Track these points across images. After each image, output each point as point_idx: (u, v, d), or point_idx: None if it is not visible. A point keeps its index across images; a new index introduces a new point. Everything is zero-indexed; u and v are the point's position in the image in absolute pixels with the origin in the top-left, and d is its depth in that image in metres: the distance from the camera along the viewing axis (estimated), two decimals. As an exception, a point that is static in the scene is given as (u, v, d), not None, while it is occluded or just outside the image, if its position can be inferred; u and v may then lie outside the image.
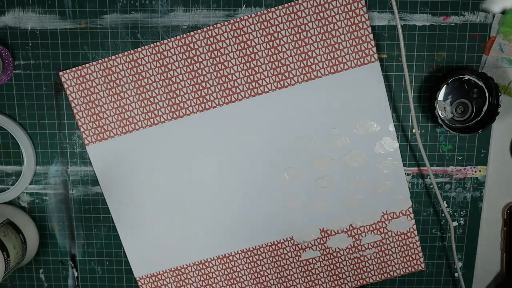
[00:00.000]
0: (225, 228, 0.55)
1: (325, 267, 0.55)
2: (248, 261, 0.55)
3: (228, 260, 0.55)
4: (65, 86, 0.52)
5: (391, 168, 0.53)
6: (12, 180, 0.55)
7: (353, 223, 0.54)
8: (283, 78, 0.52)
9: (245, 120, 0.52)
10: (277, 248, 0.55)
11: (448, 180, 0.54)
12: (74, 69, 0.51)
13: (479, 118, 0.51)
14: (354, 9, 0.50)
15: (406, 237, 0.55)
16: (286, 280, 0.56)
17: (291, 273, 0.56)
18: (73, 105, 0.52)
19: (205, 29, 0.51)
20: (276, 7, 0.50)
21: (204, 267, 0.55)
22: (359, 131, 0.53)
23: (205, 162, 0.53)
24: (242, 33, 0.51)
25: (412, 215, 0.54)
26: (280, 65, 0.51)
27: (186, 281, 0.56)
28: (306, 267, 0.55)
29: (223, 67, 0.51)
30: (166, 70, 0.51)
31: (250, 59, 0.51)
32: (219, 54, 0.51)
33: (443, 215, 0.55)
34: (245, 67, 0.51)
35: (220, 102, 0.52)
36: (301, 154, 0.53)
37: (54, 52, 0.52)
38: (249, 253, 0.55)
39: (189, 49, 0.51)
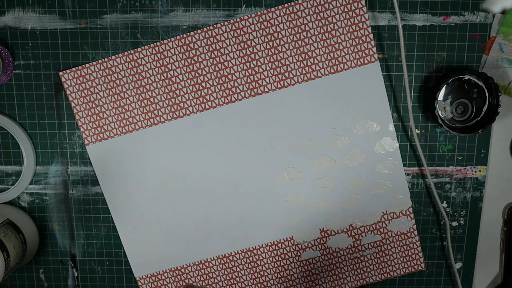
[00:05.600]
0: (225, 228, 0.55)
1: (325, 267, 0.55)
2: (248, 261, 0.55)
3: (228, 260, 0.55)
4: (65, 86, 0.52)
5: (391, 168, 0.53)
6: (12, 180, 0.55)
7: (353, 223, 0.54)
8: (283, 78, 0.52)
9: (245, 120, 0.52)
10: (277, 248, 0.55)
11: (448, 180, 0.54)
12: (74, 69, 0.51)
13: (479, 118, 0.51)
14: (354, 9, 0.50)
15: (406, 237, 0.55)
16: (286, 280, 0.56)
17: (291, 273, 0.56)
18: (73, 105, 0.52)
19: (205, 29, 0.51)
20: (276, 7, 0.50)
21: (204, 267, 0.55)
22: (359, 131, 0.53)
23: (205, 162, 0.53)
24: (242, 33, 0.51)
25: (412, 215, 0.54)
26: (280, 65, 0.51)
27: (186, 281, 0.56)
28: (306, 267, 0.55)
29: (223, 67, 0.51)
30: (166, 70, 0.51)
31: (250, 59, 0.51)
32: (219, 54, 0.51)
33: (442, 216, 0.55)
34: (245, 67, 0.51)
35: (220, 102, 0.52)
36: (301, 154, 0.53)
37: (54, 52, 0.52)
38: (249, 253, 0.55)
39: (189, 49, 0.51)
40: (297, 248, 0.55)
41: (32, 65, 0.52)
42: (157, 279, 0.56)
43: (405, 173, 0.54)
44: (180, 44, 0.51)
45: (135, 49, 0.51)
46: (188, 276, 0.56)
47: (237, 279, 0.56)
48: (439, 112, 0.51)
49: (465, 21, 0.51)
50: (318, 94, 0.52)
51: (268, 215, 0.54)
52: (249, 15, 0.50)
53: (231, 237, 0.55)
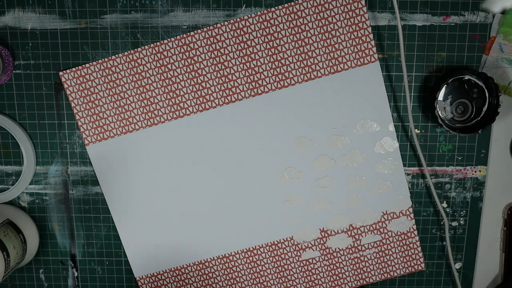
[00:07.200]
0: (225, 228, 0.55)
1: (325, 267, 0.55)
2: (248, 261, 0.55)
3: (228, 260, 0.55)
4: (65, 86, 0.52)
5: (391, 168, 0.53)
6: (12, 180, 0.55)
7: (353, 223, 0.54)
8: (283, 78, 0.52)
9: (245, 120, 0.52)
10: (277, 248, 0.55)
11: (448, 180, 0.54)
12: (74, 69, 0.51)
13: (479, 118, 0.51)
14: (354, 9, 0.50)
15: (406, 237, 0.55)
16: (286, 280, 0.56)
17: (291, 273, 0.56)
18: (73, 105, 0.52)
19: (205, 29, 0.51)
20: (276, 7, 0.50)
21: (204, 267, 0.55)
22: (359, 131, 0.53)
23: (205, 162, 0.53)
24: (242, 33, 0.51)
25: (412, 215, 0.54)
26: (280, 65, 0.51)
27: (186, 281, 0.56)
28: (306, 267, 0.55)
29: (223, 67, 0.51)
30: (166, 70, 0.51)
31: (250, 59, 0.51)
32: (219, 54, 0.51)
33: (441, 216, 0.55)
34: (245, 67, 0.51)
35: (220, 102, 0.52)
36: (301, 154, 0.53)
37: (54, 52, 0.52)
38: (249, 253, 0.55)
39: (189, 49, 0.51)
40: (297, 248, 0.55)
41: (32, 65, 0.52)
42: (157, 279, 0.56)
43: (405, 173, 0.54)
44: (180, 44, 0.51)
45: (135, 49, 0.51)
46: (188, 276, 0.56)
47: (237, 279, 0.56)
48: (439, 112, 0.51)
49: (465, 21, 0.51)
50: (318, 94, 0.52)
51: (268, 215, 0.54)
52: (249, 15, 0.50)
53: (231, 237, 0.55)
